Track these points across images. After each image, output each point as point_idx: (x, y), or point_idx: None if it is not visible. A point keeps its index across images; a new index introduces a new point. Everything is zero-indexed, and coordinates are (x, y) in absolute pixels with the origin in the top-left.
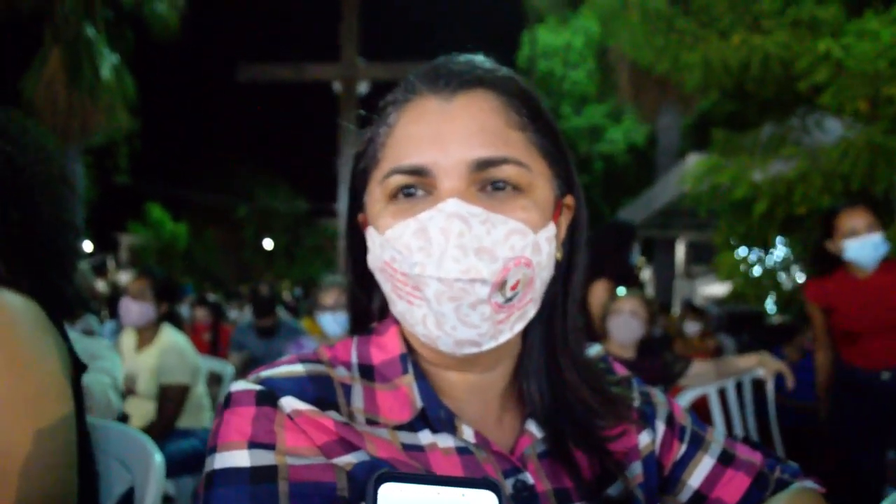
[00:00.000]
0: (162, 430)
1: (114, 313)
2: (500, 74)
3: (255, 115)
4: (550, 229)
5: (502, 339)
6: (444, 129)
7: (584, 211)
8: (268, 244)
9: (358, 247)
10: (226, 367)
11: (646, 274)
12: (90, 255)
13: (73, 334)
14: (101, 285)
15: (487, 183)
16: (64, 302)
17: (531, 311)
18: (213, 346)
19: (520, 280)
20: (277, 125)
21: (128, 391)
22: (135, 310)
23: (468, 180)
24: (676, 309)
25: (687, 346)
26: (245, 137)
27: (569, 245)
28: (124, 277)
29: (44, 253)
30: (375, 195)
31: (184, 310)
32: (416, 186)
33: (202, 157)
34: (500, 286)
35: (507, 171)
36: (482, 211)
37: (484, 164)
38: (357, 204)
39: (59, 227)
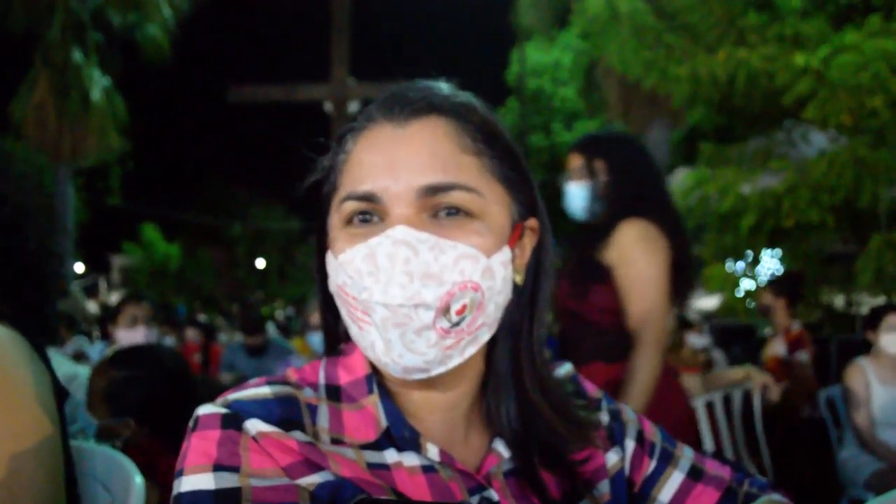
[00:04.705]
0: None
1: (105, 334)
2: (455, 101)
3: (247, 135)
4: (505, 253)
5: (452, 364)
6: (395, 156)
7: (550, 234)
8: (260, 263)
9: (325, 271)
10: None
11: None
12: (81, 276)
13: (58, 358)
14: (92, 306)
15: (438, 209)
16: (47, 329)
17: (484, 336)
18: (204, 366)
19: (466, 304)
20: (270, 145)
21: None
22: (141, 335)
23: (418, 206)
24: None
25: (678, 360)
26: (238, 157)
27: (534, 268)
28: (115, 298)
29: (28, 281)
30: (334, 220)
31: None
32: (371, 213)
33: (195, 177)
34: (445, 311)
35: (456, 197)
36: (430, 237)
37: (432, 190)
38: (323, 229)
39: (44, 256)
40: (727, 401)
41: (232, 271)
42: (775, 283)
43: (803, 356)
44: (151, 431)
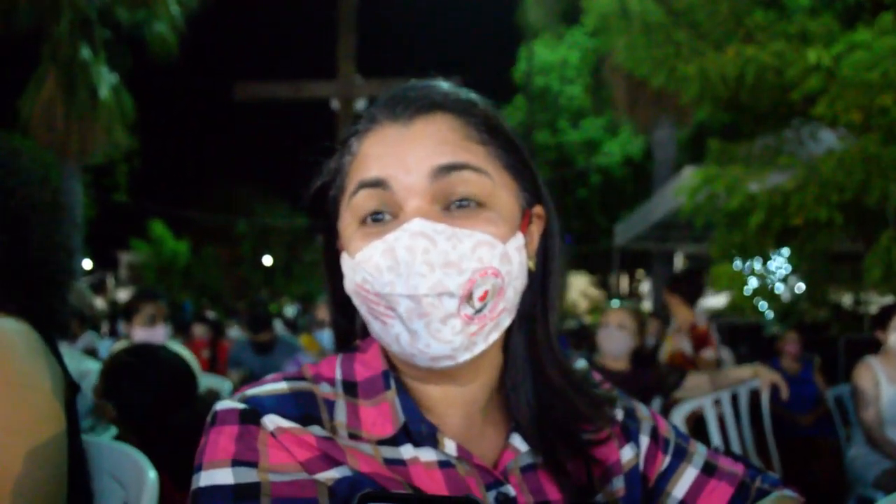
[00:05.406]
0: None
1: (113, 331)
2: (457, 97)
3: (253, 132)
4: (519, 239)
5: (477, 350)
6: (403, 149)
7: (556, 219)
8: (267, 260)
9: (336, 272)
10: (224, 384)
11: (644, 286)
12: (89, 272)
13: (70, 353)
14: (99, 303)
15: (450, 200)
16: (57, 322)
17: (505, 321)
18: (212, 362)
19: (488, 290)
20: (276, 142)
21: None
22: (161, 335)
23: (431, 196)
24: None
25: (685, 359)
26: (244, 154)
27: (542, 253)
28: (123, 295)
29: (35, 274)
30: (346, 220)
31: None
32: (383, 211)
33: (201, 174)
34: (468, 298)
35: (466, 178)
36: (446, 227)
37: (444, 170)
38: (332, 231)
39: (51, 249)
40: (735, 399)
41: (238, 268)
42: (670, 281)
43: (709, 353)
44: (138, 435)
